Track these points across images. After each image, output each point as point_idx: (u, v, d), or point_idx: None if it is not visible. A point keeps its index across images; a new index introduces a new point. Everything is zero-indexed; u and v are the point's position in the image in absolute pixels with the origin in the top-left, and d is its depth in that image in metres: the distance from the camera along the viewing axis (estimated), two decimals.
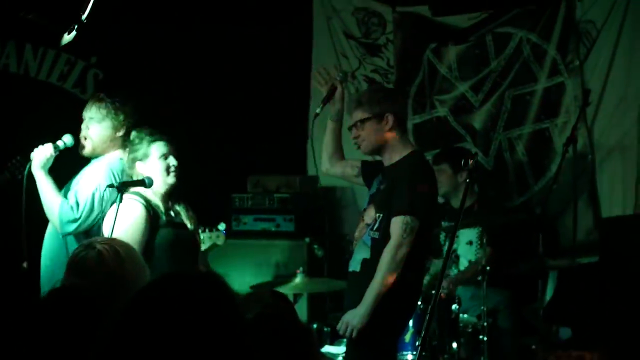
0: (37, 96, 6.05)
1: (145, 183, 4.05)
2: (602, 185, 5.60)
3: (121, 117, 4.34)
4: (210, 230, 4.76)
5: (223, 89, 6.28)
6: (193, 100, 6.33)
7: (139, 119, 4.58)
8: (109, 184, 4.16)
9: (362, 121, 4.10)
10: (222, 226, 4.80)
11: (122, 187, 4.00)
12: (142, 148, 4.19)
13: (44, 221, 4.44)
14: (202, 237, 4.71)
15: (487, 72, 5.78)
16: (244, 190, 6.19)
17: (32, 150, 4.30)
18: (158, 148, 4.18)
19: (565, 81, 5.52)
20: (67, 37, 3.60)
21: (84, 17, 3.52)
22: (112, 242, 2.99)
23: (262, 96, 6.09)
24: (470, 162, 3.51)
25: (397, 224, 3.98)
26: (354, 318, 3.98)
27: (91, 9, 3.52)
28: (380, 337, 4.07)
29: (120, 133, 4.35)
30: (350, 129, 4.22)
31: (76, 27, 3.55)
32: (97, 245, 2.87)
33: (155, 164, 4.14)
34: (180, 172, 4.24)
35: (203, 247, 4.74)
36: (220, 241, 4.78)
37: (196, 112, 6.31)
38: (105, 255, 2.83)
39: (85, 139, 4.35)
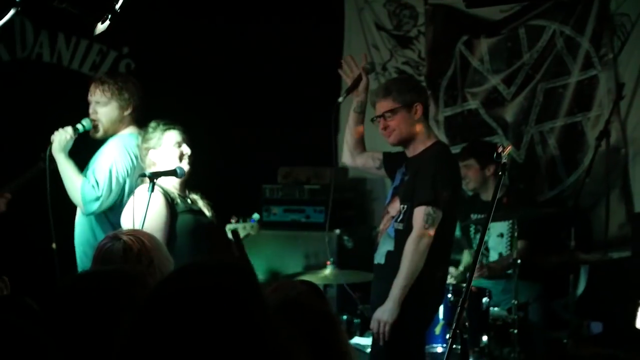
0: (70, 85, 5.95)
1: (177, 173, 4.07)
2: (635, 180, 5.52)
3: (126, 96, 4.42)
4: (244, 221, 4.78)
5: (255, 80, 6.26)
6: (225, 92, 6.31)
7: (166, 110, 4.70)
8: (141, 173, 4.14)
9: (393, 111, 4.05)
10: (256, 216, 4.86)
11: (154, 176, 3.98)
12: (156, 136, 4.22)
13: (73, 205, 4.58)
14: (237, 227, 4.68)
15: (519, 64, 5.73)
16: (274, 181, 6.19)
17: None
18: (171, 136, 4.22)
19: (598, 74, 5.45)
20: (100, 27, 3.70)
21: (117, 7, 3.62)
22: (137, 233, 3.04)
23: (294, 88, 6.06)
24: (503, 154, 3.38)
25: (420, 214, 3.96)
26: (383, 314, 3.98)
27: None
28: (409, 330, 4.05)
29: (128, 111, 4.44)
30: (374, 120, 4.19)
31: (109, 17, 3.64)
32: (122, 236, 2.92)
33: (168, 151, 4.20)
34: (193, 160, 4.29)
35: (242, 234, 4.75)
36: (254, 231, 4.82)
37: (228, 103, 6.33)
38: (130, 246, 2.88)
39: (96, 122, 4.42)
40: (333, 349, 2.05)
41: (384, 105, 4.11)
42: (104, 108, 4.48)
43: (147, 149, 4.25)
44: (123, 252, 2.87)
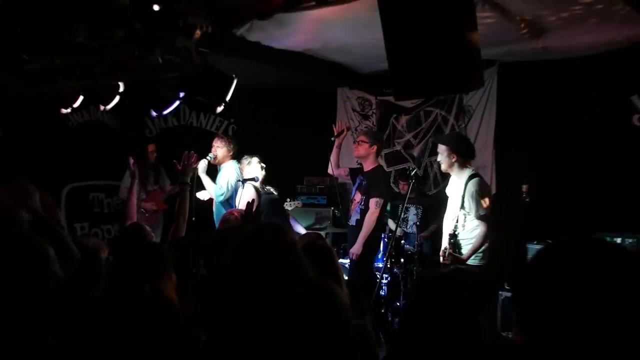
0: (205, 137, 6.57)
1: (255, 179, 5.38)
2: None
3: (231, 146, 5.66)
4: (293, 200, 6.34)
5: (293, 129, 7.15)
6: (281, 130, 7.12)
7: (251, 148, 5.69)
8: (238, 179, 5.41)
9: (362, 142, 5.17)
10: (300, 199, 6.46)
11: (244, 181, 5.33)
12: (247, 162, 5.47)
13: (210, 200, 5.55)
14: (290, 204, 6.17)
15: (420, 129, 7.17)
16: (302, 183, 7.51)
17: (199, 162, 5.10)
18: (254, 161, 5.50)
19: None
20: (219, 109, 4.76)
21: (227, 99, 4.65)
22: (241, 211, 3.58)
23: (314, 136, 6.46)
24: (413, 173, 5.02)
25: (373, 201, 5.03)
26: (354, 248, 5.01)
27: (231, 94, 4.63)
28: (367, 255, 5.15)
29: (232, 152, 5.60)
30: (354, 143, 5.31)
31: (223, 104, 4.69)
32: (235, 212, 3.70)
33: (253, 168, 5.46)
34: (266, 171, 5.43)
35: (289, 209, 6.05)
36: (299, 206, 6.31)
37: (282, 135, 7.19)
38: (237, 216, 3.56)
39: (216, 156, 5.52)
40: (332, 266, 2.44)
41: (361, 138, 5.24)
42: (220, 150, 5.66)
43: (243, 168, 5.53)
44: (235, 219, 3.55)
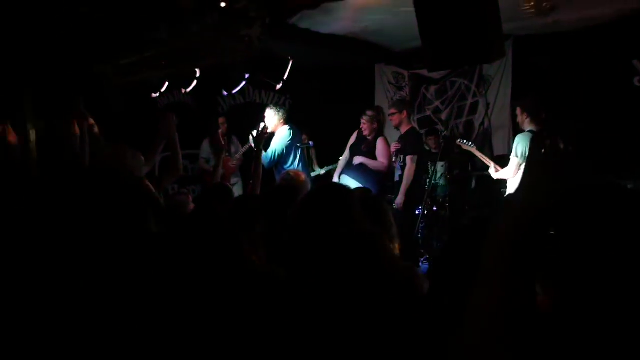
0: (265, 110, 5.66)
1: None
2: (495, 143, 6.28)
3: (280, 113, 4.98)
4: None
5: (327, 112, 6.76)
6: (315, 113, 6.74)
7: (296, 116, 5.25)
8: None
9: (392, 114, 4.97)
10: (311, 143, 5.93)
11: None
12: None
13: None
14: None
15: (446, 96, 6.99)
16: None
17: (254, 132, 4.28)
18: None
19: (479, 100, 6.65)
20: (278, 86, 5.31)
21: (285, 77, 5.13)
22: (296, 171, 3.70)
23: (360, 101, 6.34)
24: (443, 135, 5.56)
25: (409, 159, 4.80)
26: (398, 200, 4.76)
27: (288, 73, 5.10)
28: (410, 204, 4.94)
29: (282, 120, 4.95)
30: (389, 116, 4.95)
31: (282, 82, 5.17)
32: (290, 172, 3.65)
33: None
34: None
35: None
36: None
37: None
38: (293, 176, 3.53)
39: (266, 126, 4.54)
40: (383, 216, 2.28)
41: (391, 110, 5.04)
42: (271, 119, 4.98)
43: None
44: (291, 178, 3.51)
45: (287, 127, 4.91)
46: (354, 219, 1.67)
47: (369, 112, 4.91)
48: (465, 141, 4.99)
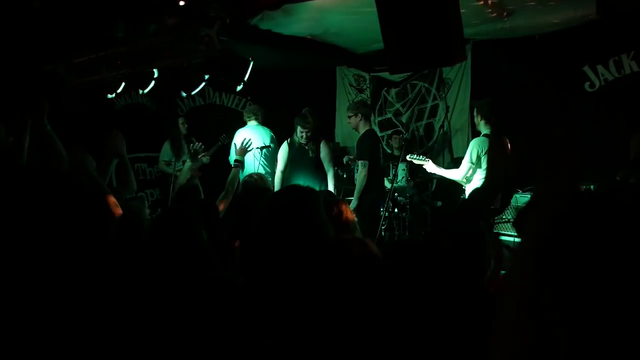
0: (226, 112, 7.21)
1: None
2: (455, 145, 6.42)
3: (259, 115, 5.53)
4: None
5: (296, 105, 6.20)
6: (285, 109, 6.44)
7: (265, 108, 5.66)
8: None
9: (349, 116, 5.16)
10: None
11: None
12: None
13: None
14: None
15: (407, 99, 7.02)
16: None
17: (221, 137, 5.68)
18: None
19: (439, 103, 6.70)
20: (238, 88, 4.83)
21: (245, 78, 4.66)
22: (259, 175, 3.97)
23: (320, 103, 6.61)
24: (403, 136, 5.55)
25: (360, 164, 5.01)
26: (351, 204, 4.78)
27: (248, 75, 4.64)
28: (369, 208, 5.01)
29: (257, 118, 5.37)
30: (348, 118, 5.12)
31: (242, 84, 4.70)
32: (253, 175, 3.85)
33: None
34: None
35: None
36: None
37: (291, 108, 6.17)
38: (257, 179, 3.72)
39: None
40: (344, 218, 2.35)
41: (348, 114, 5.22)
42: (250, 120, 5.50)
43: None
44: (255, 181, 3.65)
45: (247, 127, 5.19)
46: (319, 222, 1.64)
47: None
48: (415, 156, 5.00)
